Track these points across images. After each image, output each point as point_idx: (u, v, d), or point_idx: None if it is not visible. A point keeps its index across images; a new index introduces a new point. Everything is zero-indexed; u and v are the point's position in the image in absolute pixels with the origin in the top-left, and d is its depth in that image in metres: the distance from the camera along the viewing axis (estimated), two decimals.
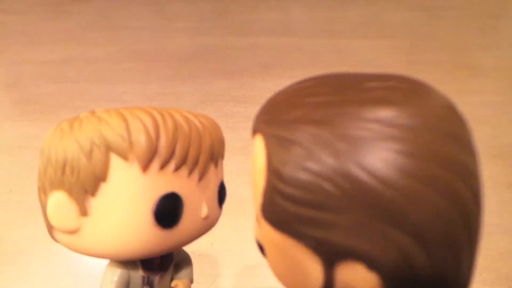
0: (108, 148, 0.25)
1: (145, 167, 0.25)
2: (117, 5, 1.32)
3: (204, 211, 0.29)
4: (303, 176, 0.16)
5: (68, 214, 0.26)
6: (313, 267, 0.18)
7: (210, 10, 1.28)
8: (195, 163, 0.27)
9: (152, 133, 0.25)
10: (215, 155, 0.29)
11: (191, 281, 0.35)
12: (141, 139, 0.25)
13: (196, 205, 0.28)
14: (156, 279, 0.31)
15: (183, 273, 0.34)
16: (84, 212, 0.26)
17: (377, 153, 0.16)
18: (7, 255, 0.62)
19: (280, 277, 0.22)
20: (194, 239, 0.30)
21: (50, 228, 0.28)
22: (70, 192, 0.25)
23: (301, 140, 0.17)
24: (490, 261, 0.58)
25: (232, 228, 0.63)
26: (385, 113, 0.16)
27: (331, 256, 0.17)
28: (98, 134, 0.25)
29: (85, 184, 0.25)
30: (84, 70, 1.04)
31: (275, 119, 0.18)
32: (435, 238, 0.16)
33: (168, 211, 0.27)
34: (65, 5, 1.33)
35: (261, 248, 0.21)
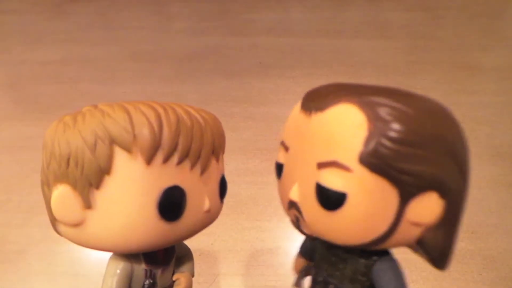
0: (112, 141, 0.25)
1: (149, 159, 0.25)
2: (117, 5, 1.32)
3: (206, 204, 0.29)
4: (403, 125, 0.23)
5: (72, 207, 0.26)
6: (390, 205, 0.24)
7: (210, 10, 1.28)
8: (197, 157, 0.28)
9: (155, 126, 0.25)
10: (217, 149, 0.30)
11: (192, 275, 0.35)
12: (144, 132, 0.25)
13: (199, 199, 0.29)
14: (158, 272, 0.31)
15: (185, 267, 0.35)
16: (88, 205, 0.26)
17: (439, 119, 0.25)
18: (7, 255, 0.62)
19: (353, 225, 0.25)
20: (196, 233, 0.30)
21: (54, 221, 0.28)
22: (74, 185, 0.26)
23: (393, 105, 0.23)
24: (490, 261, 0.58)
25: (232, 228, 0.63)
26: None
27: (412, 189, 0.23)
28: (101, 127, 0.25)
29: (90, 177, 0.25)
30: (84, 70, 1.04)
31: (360, 93, 0.24)
32: (465, 168, 0.25)
33: (172, 204, 0.27)
34: (65, 5, 1.33)
35: (336, 201, 0.24)
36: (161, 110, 0.26)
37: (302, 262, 0.36)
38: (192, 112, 0.28)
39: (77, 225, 0.27)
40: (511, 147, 0.78)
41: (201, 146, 0.28)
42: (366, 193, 0.23)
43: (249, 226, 0.64)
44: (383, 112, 0.23)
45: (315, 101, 0.26)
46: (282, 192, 0.30)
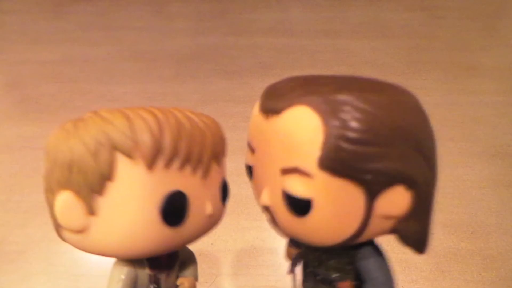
0: (114, 148, 0.25)
1: (151, 165, 0.25)
2: (117, 5, 1.32)
3: (208, 209, 0.29)
4: (360, 124, 0.22)
5: (76, 213, 0.26)
6: (358, 204, 0.23)
7: (210, 10, 1.28)
8: (199, 161, 0.28)
9: (156, 131, 0.26)
10: (217, 153, 0.30)
11: (196, 279, 0.35)
12: (145, 138, 0.25)
13: (201, 203, 0.29)
14: (162, 277, 0.31)
15: (188, 271, 0.35)
16: (91, 211, 0.26)
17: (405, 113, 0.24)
18: (7, 255, 0.62)
19: (324, 228, 0.25)
20: (199, 237, 0.30)
21: (58, 228, 0.28)
22: (77, 192, 0.26)
23: (349, 102, 0.23)
24: (490, 261, 0.58)
25: (232, 228, 0.63)
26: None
27: (378, 187, 0.23)
28: (103, 133, 0.25)
29: (92, 184, 0.25)
30: (84, 70, 1.04)
31: (314, 92, 0.23)
32: (431, 156, 0.25)
33: (174, 209, 0.27)
34: (65, 5, 1.33)
35: (303, 207, 0.24)
36: (161, 116, 0.26)
37: (293, 250, 0.36)
38: (192, 116, 0.29)
39: (81, 231, 0.27)
40: (511, 147, 0.78)
41: (202, 151, 0.28)
42: (331, 196, 0.23)
43: (249, 226, 0.64)
44: (340, 111, 0.22)
45: (272, 104, 0.25)
46: (256, 194, 0.30)
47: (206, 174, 0.29)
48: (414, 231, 0.26)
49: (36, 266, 0.60)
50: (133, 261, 0.30)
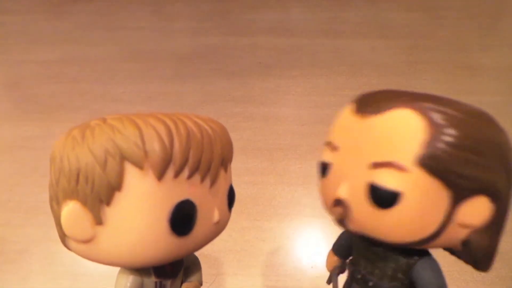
0: (123, 158, 0.25)
1: (160, 175, 0.25)
2: (117, 5, 1.32)
3: (216, 216, 0.29)
4: (461, 131, 0.24)
5: (83, 223, 0.25)
6: (442, 206, 0.25)
7: (210, 10, 1.28)
8: (207, 170, 0.27)
9: (166, 141, 0.25)
10: (225, 160, 0.29)
11: (201, 284, 0.35)
12: (156, 148, 0.25)
13: (209, 211, 0.29)
14: (168, 284, 0.31)
15: (193, 276, 0.35)
16: (99, 221, 0.25)
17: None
18: (7, 255, 0.62)
19: (406, 223, 0.26)
20: (205, 244, 0.30)
21: (64, 237, 0.27)
22: (84, 202, 0.25)
23: (448, 111, 0.25)
24: None
25: (232, 228, 0.63)
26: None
27: (465, 193, 0.24)
28: (112, 143, 0.25)
29: (100, 194, 0.25)
30: (84, 70, 1.04)
31: (410, 99, 0.25)
32: (511, 173, 0.26)
33: (183, 218, 0.27)
34: (65, 5, 1.33)
35: (390, 200, 0.25)
36: (171, 124, 0.26)
37: (335, 260, 0.36)
38: (201, 123, 0.28)
39: (87, 241, 0.26)
40: None
41: (211, 159, 0.27)
42: (420, 193, 0.24)
43: (249, 226, 0.64)
44: (439, 117, 0.24)
45: (371, 105, 0.27)
46: (328, 190, 0.30)
47: (214, 181, 0.28)
48: (485, 245, 0.27)
49: (36, 266, 0.60)
50: (139, 269, 0.30)
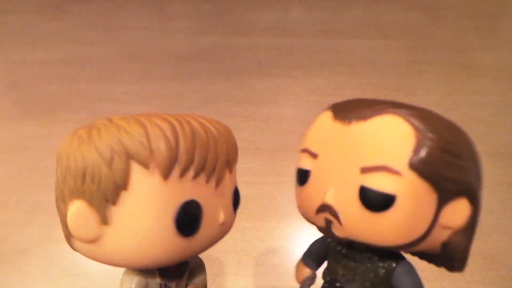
0: (129, 157, 0.25)
1: (166, 175, 0.25)
2: (117, 5, 1.32)
3: (221, 217, 0.29)
4: (448, 135, 0.26)
5: (89, 223, 0.26)
6: (430, 208, 0.26)
7: (210, 10, 1.28)
8: (213, 170, 0.27)
9: (172, 140, 0.25)
10: (230, 161, 0.30)
11: (205, 286, 0.35)
12: (161, 146, 0.25)
13: (214, 212, 0.29)
14: (173, 285, 0.31)
15: (198, 279, 0.35)
16: (104, 221, 0.26)
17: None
18: (7, 255, 0.62)
19: (399, 226, 0.26)
20: (210, 246, 0.30)
21: (69, 237, 0.27)
22: (90, 201, 0.25)
23: (433, 116, 0.27)
24: (490, 261, 0.58)
25: (232, 228, 0.63)
26: None
27: (450, 195, 0.26)
28: (118, 142, 0.25)
29: (106, 193, 0.25)
30: (84, 70, 1.04)
31: (393, 106, 0.27)
32: (482, 176, 0.28)
33: (189, 219, 0.27)
34: (65, 5, 1.33)
35: (384, 203, 0.26)
36: (177, 124, 0.26)
37: (307, 271, 0.36)
38: (206, 124, 0.28)
39: (93, 241, 0.26)
40: (511, 147, 0.78)
41: (216, 159, 0.28)
42: (412, 196, 0.25)
43: (249, 226, 0.64)
44: (418, 123, 0.25)
45: (354, 111, 0.28)
46: (309, 197, 0.30)
47: (219, 182, 0.28)
48: (463, 246, 0.28)
49: (36, 266, 0.60)
50: (144, 270, 0.30)
